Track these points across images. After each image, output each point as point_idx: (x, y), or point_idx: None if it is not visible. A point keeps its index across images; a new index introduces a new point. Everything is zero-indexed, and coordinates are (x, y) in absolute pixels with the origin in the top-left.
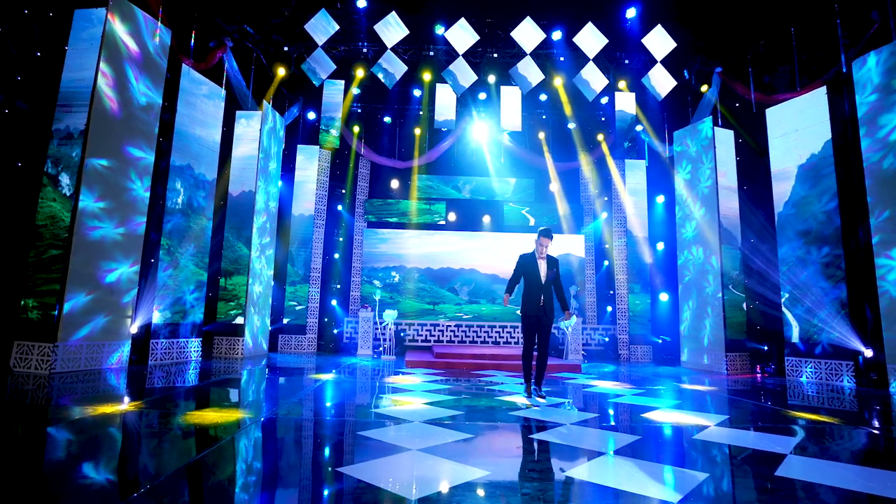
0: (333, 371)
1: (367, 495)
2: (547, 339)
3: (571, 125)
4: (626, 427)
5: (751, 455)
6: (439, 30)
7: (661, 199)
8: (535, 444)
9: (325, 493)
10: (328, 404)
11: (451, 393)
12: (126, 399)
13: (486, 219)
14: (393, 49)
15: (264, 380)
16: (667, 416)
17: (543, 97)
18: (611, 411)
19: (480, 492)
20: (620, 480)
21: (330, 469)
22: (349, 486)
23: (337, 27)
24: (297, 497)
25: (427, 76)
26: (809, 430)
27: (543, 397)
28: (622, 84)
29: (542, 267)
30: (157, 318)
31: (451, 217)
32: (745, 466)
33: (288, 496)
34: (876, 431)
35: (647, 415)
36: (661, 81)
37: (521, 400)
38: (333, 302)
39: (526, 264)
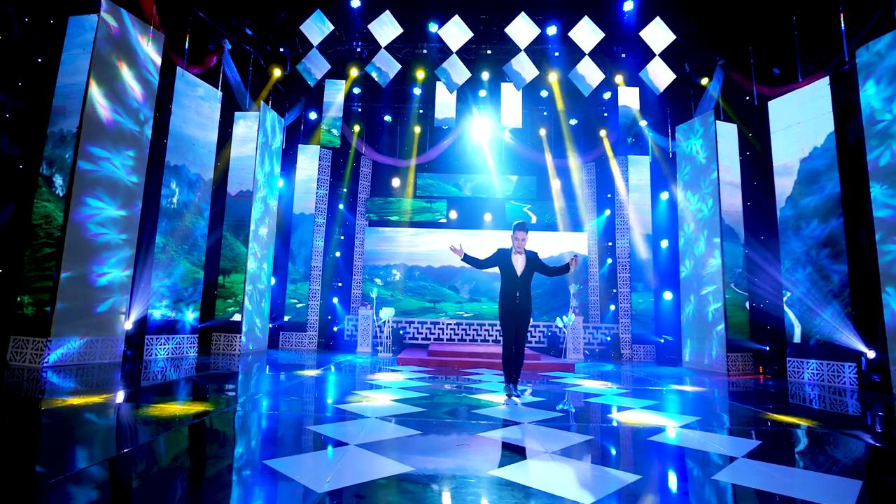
0: (322, 368)
1: (277, 487)
2: (524, 337)
3: (573, 121)
4: (585, 427)
5: (699, 458)
6: (433, 27)
7: (664, 195)
8: (479, 442)
9: (238, 483)
10: (295, 399)
11: (427, 390)
12: (101, 393)
13: (488, 217)
14: (387, 48)
15: (247, 375)
16: (636, 416)
17: (544, 93)
18: (580, 411)
19: (391, 487)
20: (542, 481)
21: (255, 461)
22: (265, 478)
23: (332, 27)
24: (207, 487)
25: (421, 74)
26: (779, 434)
27: (518, 396)
28: (619, 78)
29: (519, 262)
30: (151, 314)
31: (453, 215)
32: (684, 469)
33: (199, 487)
34: (851, 436)
35: (616, 415)
36: (660, 75)
37: (495, 398)
38: (335, 300)
39: (501, 258)
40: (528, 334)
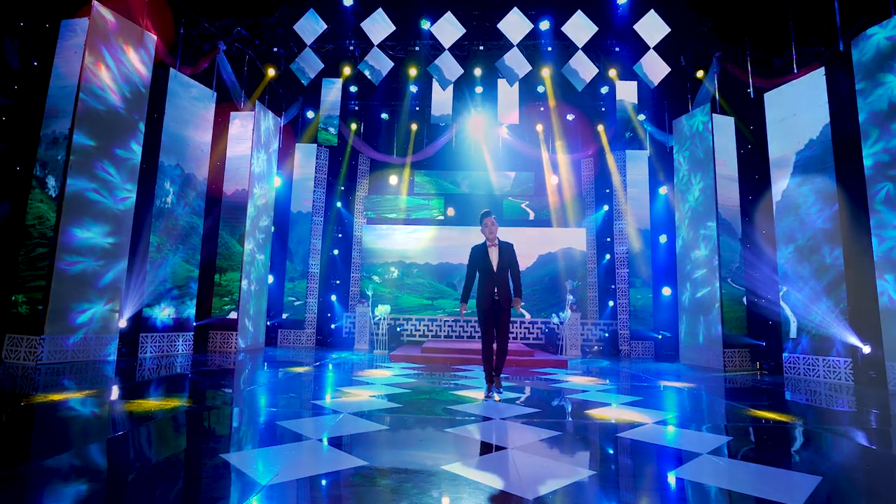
0: (314, 365)
1: (224, 479)
2: (506, 332)
3: (570, 117)
4: (557, 423)
5: (662, 454)
6: (425, 24)
7: (663, 190)
8: (444, 438)
9: (187, 475)
10: (276, 396)
11: (411, 387)
12: (84, 390)
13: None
14: (380, 46)
15: (237, 373)
16: (613, 412)
17: (542, 89)
18: (558, 408)
19: (340, 480)
20: (493, 476)
21: (211, 454)
22: (216, 470)
23: (325, 26)
24: (156, 478)
25: (413, 72)
26: (754, 430)
27: (499, 394)
28: (613, 73)
29: (494, 255)
30: (146, 312)
31: (450, 212)
32: (642, 465)
33: (151, 476)
34: (828, 432)
35: (592, 411)
36: (655, 69)
37: (476, 395)
38: (333, 297)
39: (477, 256)
40: (526, 331)
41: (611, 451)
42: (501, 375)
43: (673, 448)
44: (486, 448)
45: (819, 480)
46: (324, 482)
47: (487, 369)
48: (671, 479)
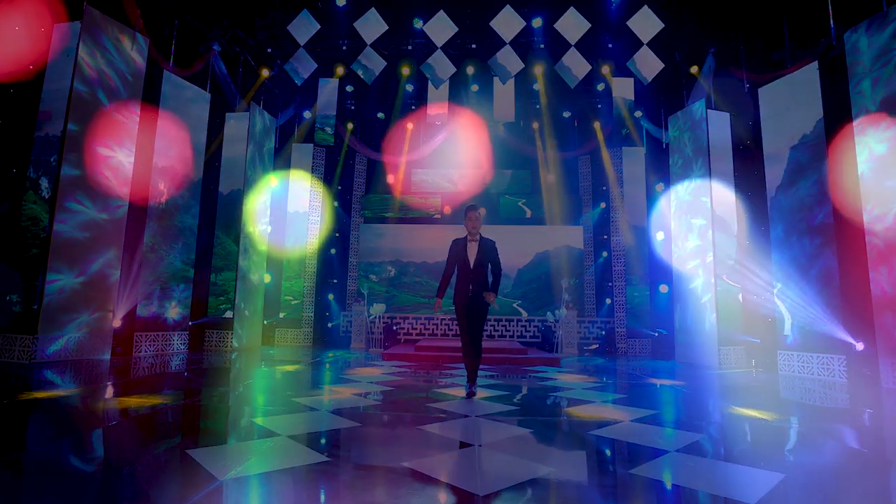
0: (307, 363)
1: (183, 474)
2: (479, 329)
3: (566, 114)
4: (533, 421)
5: (630, 451)
6: (418, 24)
7: (660, 187)
8: (413, 435)
9: (144, 470)
10: (259, 393)
11: (397, 385)
12: (71, 387)
13: (482, 211)
14: (373, 45)
15: (228, 371)
16: (593, 410)
17: (537, 86)
18: (539, 405)
19: (298, 475)
20: (451, 472)
21: (177, 450)
22: (177, 465)
23: (318, 26)
24: (117, 471)
25: (406, 71)
26: (729, 428)
27: (474, 392)
28: (606, 69)
29: (472, 250)
30: (140, 311)
31: (447, 210)
32: (607, 463)
33: (112, 469)
34: (805, 430)
35: (572, 409)
36: (649, 65)
37: (459, 392)
38: (330, 296)
39: (456, 251)
40: (523, 329)
41: (578, 449)
42: (487, 374)
43: (643, 446)
44: (452, 445)
45: (781, 478)
46: (277, 478)
47: (468, 367)
48: (631, 477)
